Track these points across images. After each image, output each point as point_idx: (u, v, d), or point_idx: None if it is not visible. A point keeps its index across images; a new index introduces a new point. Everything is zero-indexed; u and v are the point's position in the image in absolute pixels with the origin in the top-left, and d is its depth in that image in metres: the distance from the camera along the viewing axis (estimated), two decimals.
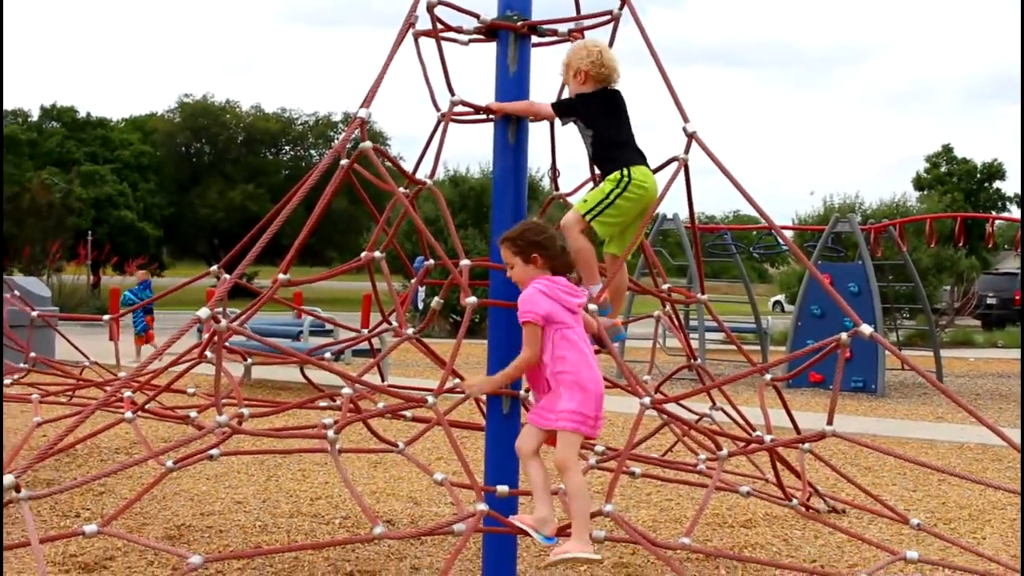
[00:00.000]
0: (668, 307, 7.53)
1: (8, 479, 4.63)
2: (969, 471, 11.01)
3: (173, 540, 7.86)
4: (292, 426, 9.61)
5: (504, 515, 5.43)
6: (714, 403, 8.11)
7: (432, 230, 6.47)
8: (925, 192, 67.88)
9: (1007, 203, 73.72)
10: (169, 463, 6.10)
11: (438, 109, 6.46)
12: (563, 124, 6.29)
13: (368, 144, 5.88)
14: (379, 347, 8.22)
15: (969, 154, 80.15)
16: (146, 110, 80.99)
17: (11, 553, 7.15)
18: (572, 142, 7.08)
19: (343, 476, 5.17)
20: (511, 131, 6.19)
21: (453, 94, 6.37)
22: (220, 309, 5.47)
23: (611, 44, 6.57)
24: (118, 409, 7.19)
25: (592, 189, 6.24)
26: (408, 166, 6.68)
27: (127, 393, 7.20)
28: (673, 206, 24.40)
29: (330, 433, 5.36)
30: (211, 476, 10.06)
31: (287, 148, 74.99)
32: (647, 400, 5.61)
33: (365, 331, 7.60)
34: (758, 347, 23.18)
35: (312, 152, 72.46)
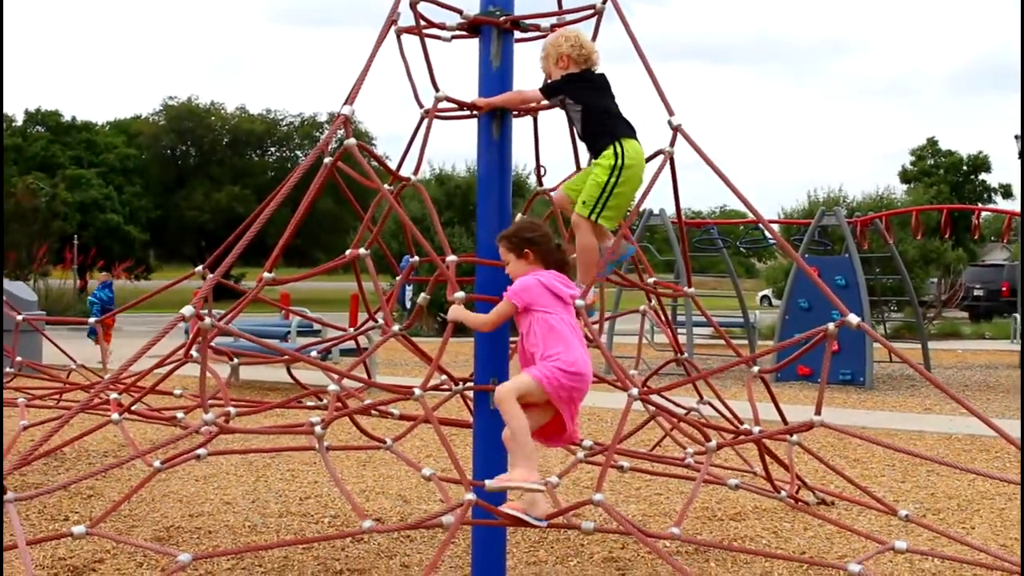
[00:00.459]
0: (654, 301, 7.53)
1: None
2: (958, 462, 11.03)
3: (162, 541, 7.84)
4: (280, 425, 9.60)
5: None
6: (701, 397, 8.11)
7: (418, 228, 6.46)
8: (911, 185, 68.03)
9: (993, 195, 73.96)
10: (157, 463, 6.08)
11: (421, 106, 6.45)
12: (551, 104, 6.30)
13: (352, 141, 5.87)
14: (367, 346, 8.20)
15: (954, 147, 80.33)
16: (131, 113, 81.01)
17: None
18: (556, 139, 7.08)
19: (330, 471, 5.15)
20: (495, 127, 6.19)
21: (437, 90, 6.36)
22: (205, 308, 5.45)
23: (594, 38, 6.57)
24: (105, 412, 7.16)
25: (576, 173, 6.25)
26: (393, 165, 6.67)
27: (113, 395, 7.18)
28: (659, 201, 24.40)
29: (317, 428, 5.35)
30: (200, 477, 10.03)
31: (272, 149, 74.92)
32: (634, 391, 5.61)
33: (352, 330, 7.59)
34: (746, 341, 23.20)
35: (298, 153, 72.43)
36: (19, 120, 68.91)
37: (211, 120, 71.27)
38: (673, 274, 21.58)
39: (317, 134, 70.37)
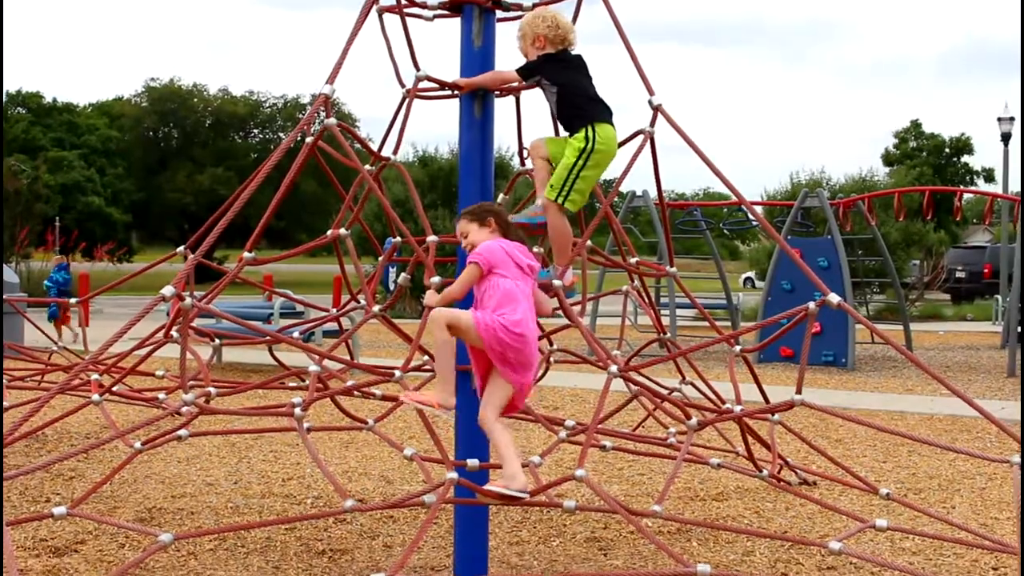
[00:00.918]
0: (637, 281, 7.53)
1: None
2: (939, 442, 11.08)
3: (144, 522, 7.82)
4: (262, 406, 9.59)
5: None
6: (684, 377, 8.12)
7: (401, 211, 6.45)
8: (894, 167, 68.13)
9: (975, 177, 74.02)
10: (137, 444, 6.06)
11: (403, 85, 6.42)
12: (527, 85, 6.28)
13: (332, 121, 5.85)
14: (349, 328, 8.20)
15: (937, 129, 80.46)
16: (112, 94, 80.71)
17: None
18: (539, 120, 7.06)
19: (311, 452, 5.15)
20: (477, 106, 6.17)
21: (418, 70, 6.33)
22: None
23: (575, 19, 6.55)
24: (86, 393, 7.14)
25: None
26: (375, 147, 6.65)
27: (94, 376, 7.16)
28: (641, 182, 24.37)
29: (297, 410, 5.34)
30: (182, 459, 10.01)
31: (255, 131, 74.73)
32: (614, 368, 5.62)
33: (334, 311, 7.57)
34: (729, 323, 23.23)
35: (281, 135, 72.19)
36: None
37: (194, 102, 70.97)
38: (656, 256, 21.56)
39: (300, 116, 70.06)
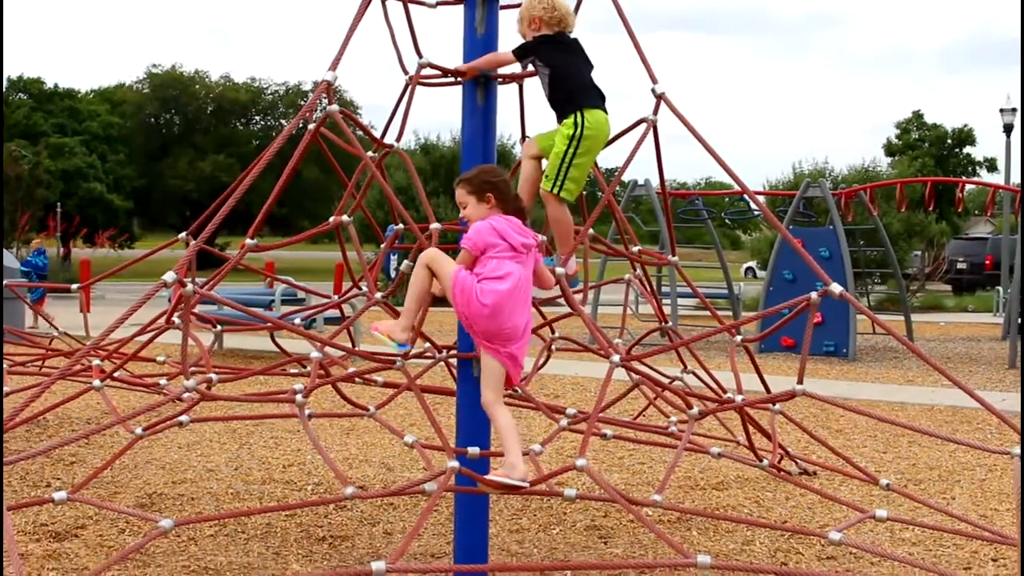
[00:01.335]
0: (639, 269, 7.52)
1: None
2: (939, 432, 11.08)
3: (145, 508, 7.83)
4: (262, 392, 9.60)
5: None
6: (685, 366, 8.12)
7: (403, 199, 6.44)
8: (896, 158, 68.02)
9: (977, 168, 73.89)
10: (138, 430, 6.05)
11: (406, 72, 6.41)
12: (523, 68, 6.24)
13: (335, 107, 5.84)
14: (351, 315, 8.19)
15: (940, 120, 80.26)
16: (114, 81, 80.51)
17: None
18: (542, 108, 7.04)
19: (312, 439, 5.14)
20: (480, 93, 6.15)
21: (421, 57, 6.32)
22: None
23: (578, 7, 6.54)
24: (87, 378, 7.13)
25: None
26: (378, 134, 6.64)
27: (95, 361, 7.15)
28: (643, 171, 24.28)
29: (298, 397, 5.34)
30: (183, 445, 10.02)
31: (257, 118, 74.71)
32: (616, 357, 5.61)
33: (336, 297, 7.57)
34: (730, 313, 23.23)
35: (282, 122, 72.14)
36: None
37: (195, 88, 70.93)
38: (658, 245, 21.54)
39: (302, 103, 70.03)
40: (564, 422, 6.16)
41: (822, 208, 22.96)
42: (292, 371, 7.34)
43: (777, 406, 6.51)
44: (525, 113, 7.06)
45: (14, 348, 9.08)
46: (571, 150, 5.88)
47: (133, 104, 69.56)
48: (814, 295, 5.39)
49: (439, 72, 6.31)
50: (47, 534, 7.10)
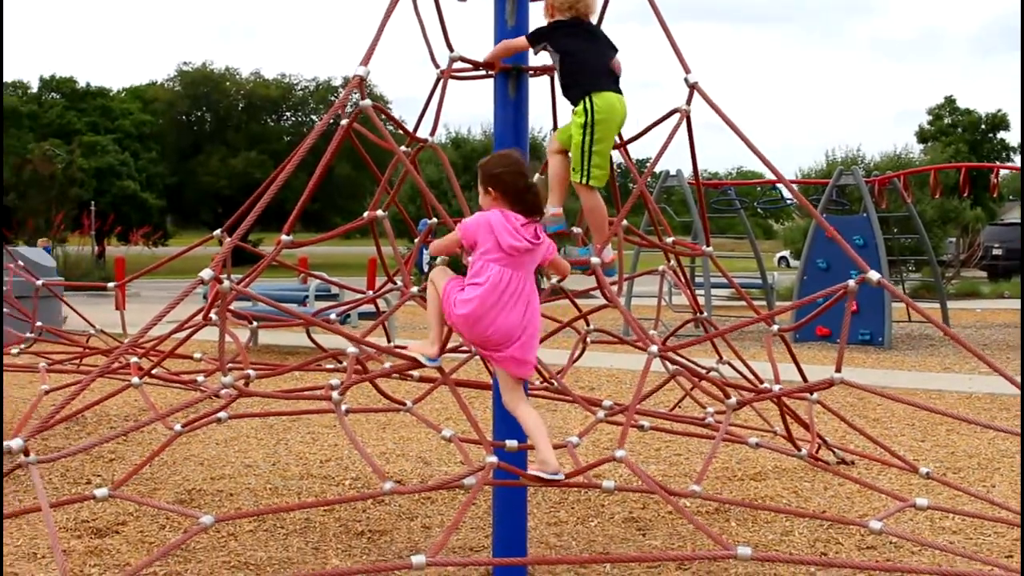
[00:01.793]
0: (673, 260, 7.49)
1: (16, 443, 4.61)
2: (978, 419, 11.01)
3: (184, 503, 7.89)
4: (299, 388, 9.63)
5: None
6: (721, 357, 8.08)
7: (436, 192, 6.42)
8: (928, 144, 67.54)
9: (1012, 153, 73.26)
10: (177, 426, 6.09)
11: (437, 66, 6.40)
12: (535, 53, 6.17)
13: (368, 102, 5.83)
14: (385, 309, 8.20)
15: (972, 105, 79.56)
16: (146, 79, 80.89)
17: (22, 520, 7.18)
18: None
19: (349, 435, 5.15)
20: (511, 85, 6.14)
21: (452, 51, 6.31)
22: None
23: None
24: (125, 376, 7.17)
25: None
26: (409, 128, 6.64)
27: (133, 359, 7.19)
28: (676, 162, 24.23)
29: (334, 395, 5.35)
30: (220, 441, 10.07)
31: (288, 114, 74.97)
32: (654, 348, 5.59)
33: (370, 293, 7.58)
34: (764, 303, 23.13)
35: (313, 117, 72.41)
36: (34, 87, 68.97)
37: (226, 86, 71.28)
38: (691, 235, 21.46)
39: (332, 98, 70.17)
40: (601, 414, 6.16)
41: (855, 196, 22.79)
42: (328, 366, 7.36)
43: (814, 395, 6.48)
44: (557, 105, 7.04)
45: (51, 347, 9.14)
46: (587, 137, 5.85)
47: (164, 102, 69.96)
48: (852, 283, 5.36)
49: (470, 65, 6.31)
50: (88, 530, 7.16)
